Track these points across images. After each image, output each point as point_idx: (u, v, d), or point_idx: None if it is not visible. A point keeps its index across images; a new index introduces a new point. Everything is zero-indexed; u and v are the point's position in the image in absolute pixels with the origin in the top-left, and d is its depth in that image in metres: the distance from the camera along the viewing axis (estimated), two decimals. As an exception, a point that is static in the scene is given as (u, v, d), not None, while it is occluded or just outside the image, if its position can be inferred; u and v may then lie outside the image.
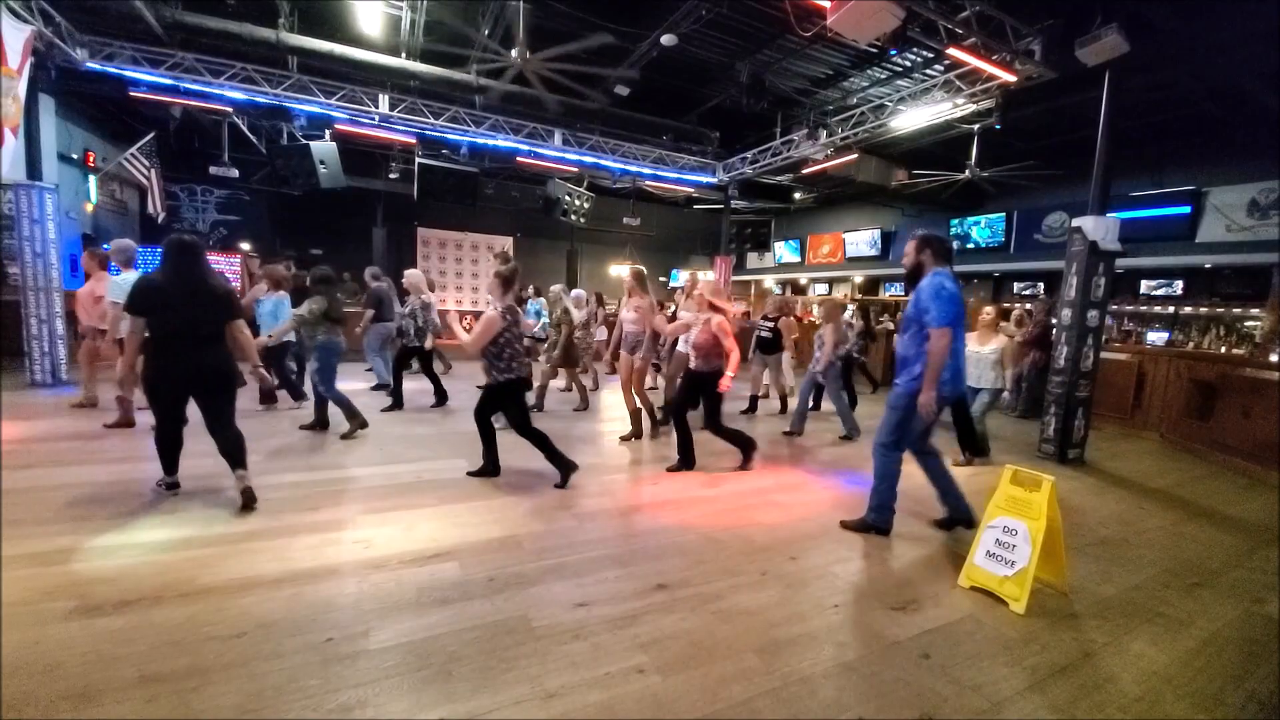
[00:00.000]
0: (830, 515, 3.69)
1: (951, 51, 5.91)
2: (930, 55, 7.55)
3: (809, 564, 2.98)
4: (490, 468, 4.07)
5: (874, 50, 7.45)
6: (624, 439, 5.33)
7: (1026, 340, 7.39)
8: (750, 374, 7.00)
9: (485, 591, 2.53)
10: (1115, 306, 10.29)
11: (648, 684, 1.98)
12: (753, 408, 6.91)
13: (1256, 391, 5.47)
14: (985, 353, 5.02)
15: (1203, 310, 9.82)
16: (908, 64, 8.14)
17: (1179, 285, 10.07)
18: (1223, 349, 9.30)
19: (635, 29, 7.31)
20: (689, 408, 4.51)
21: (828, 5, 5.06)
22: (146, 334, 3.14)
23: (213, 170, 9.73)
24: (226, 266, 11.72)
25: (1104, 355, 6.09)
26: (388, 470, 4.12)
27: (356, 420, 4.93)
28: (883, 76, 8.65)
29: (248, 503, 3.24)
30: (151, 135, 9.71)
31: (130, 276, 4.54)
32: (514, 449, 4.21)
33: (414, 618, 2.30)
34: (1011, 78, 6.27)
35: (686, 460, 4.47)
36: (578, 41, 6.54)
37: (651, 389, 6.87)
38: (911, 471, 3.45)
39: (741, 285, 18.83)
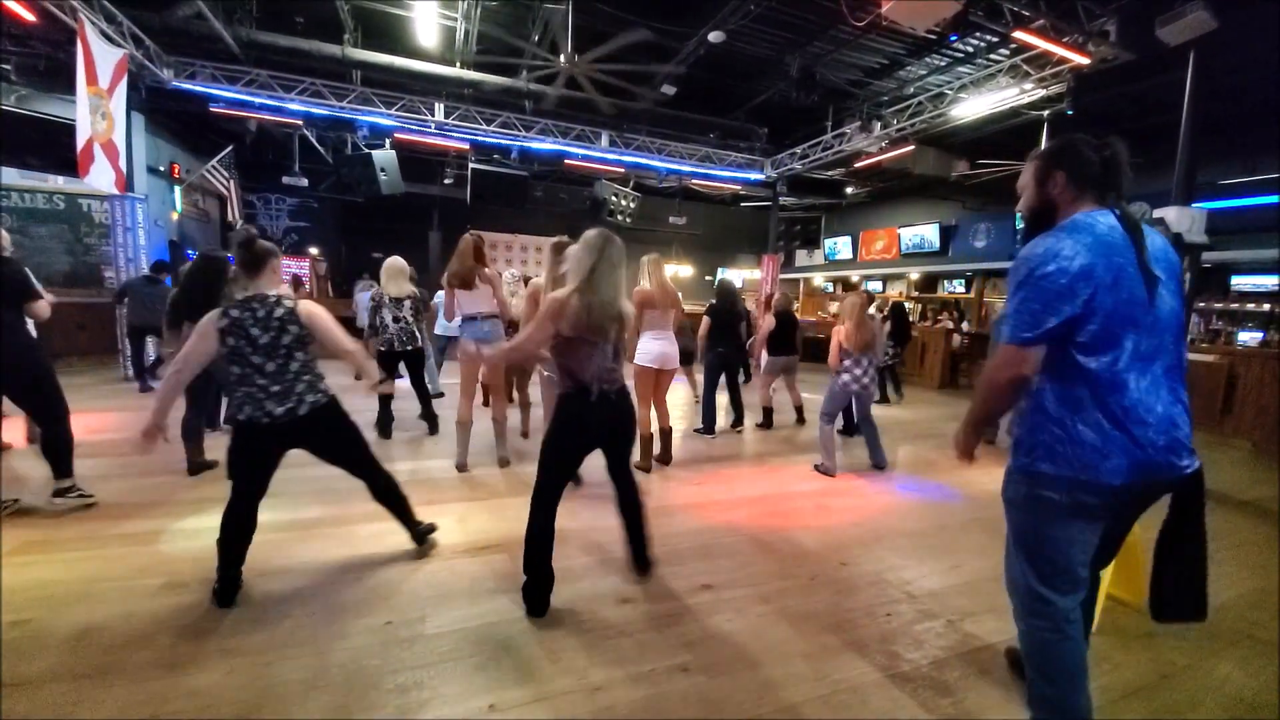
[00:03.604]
0: (882, 520, 3.58)
1: (1017, 34, 5.62)
2: (994, 39, 7.19)
3: (860, 570, 2.90)
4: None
5: (933, 36, 7.16)
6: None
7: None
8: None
9: (534, 584, 2.59)
10: (1202, 304, 9.51)
11: (692, 683, 1.98)
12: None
13: (1370, 397, 4.95)
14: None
15: (1304, 308, 8.95)
16: (969, 49, 7.77)
17: (1275, 281, 9.20)
18: (1329, 350, 8.43)
19: (682, 27, 7.30)
20: None
21: (882, -6, 4.91)
22: None
23: (285, 180, 10.34)
24: (297, 269, 12.51)
25: (1190, 357, 5.63)
26: (443, 464, 4.27)
27: None
28: (942, 64, 8.29)
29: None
30: (230, 148, 10.42)
31: None
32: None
33: (466, 606, 2.38)
34: (1084, 60, 5.90)
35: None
36: (616, 40, 6.56)
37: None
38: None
39: (790, 283, 18.47)
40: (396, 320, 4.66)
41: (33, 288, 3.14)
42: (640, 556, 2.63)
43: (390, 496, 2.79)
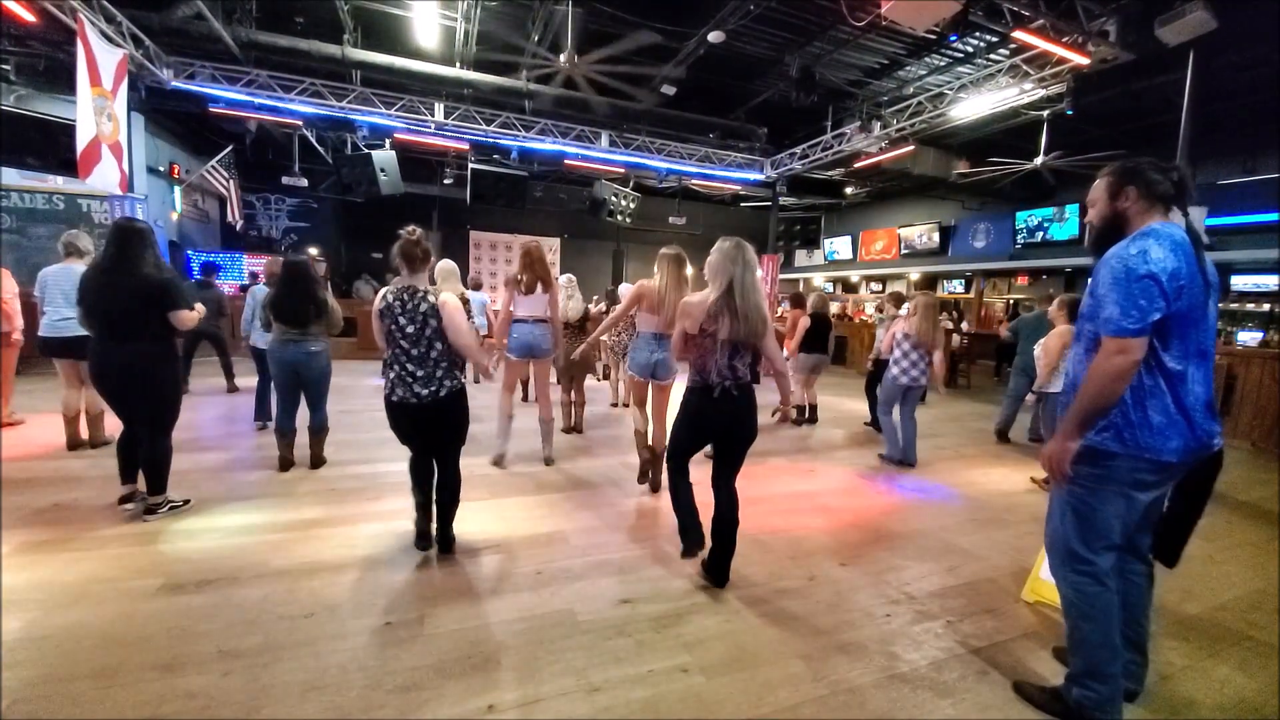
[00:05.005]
0: (882, 520, 3.58)
1: (1017, 34, 5.62)
2: (994, 39, 7.19)
3: (860, 570, 2.90)
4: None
5: (932, 36, 7.16)
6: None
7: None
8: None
9: (533, 584, 2.59)
10: (1202, 303, 9.51)
11: (691, 684, 1.98)
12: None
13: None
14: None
15: (1304, 307, 8.96)
16: (969, 49, 7.78)
17: (1275, 281, 9.21)
18: (1329, 350, 8.43)
19: (682, 27, 7.30)
20: None
21: (882, -6, 4.91)
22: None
23: (285, 180, 10.35)
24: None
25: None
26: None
27: None
28: (942, 64, 8.30)
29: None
30: (230, 148, 10.42)
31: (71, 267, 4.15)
32: (566, 451, 4.26)
33: (465, 606, 2.38)
34: (1084, 60, 5.91)
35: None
36: (623, 42, 6.58)
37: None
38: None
39: (790, 284, 18.48)
40: None
41: (182, 297, 3.07)
42: (720, 570, 2.66)
43: (452, 497, 2.89)
